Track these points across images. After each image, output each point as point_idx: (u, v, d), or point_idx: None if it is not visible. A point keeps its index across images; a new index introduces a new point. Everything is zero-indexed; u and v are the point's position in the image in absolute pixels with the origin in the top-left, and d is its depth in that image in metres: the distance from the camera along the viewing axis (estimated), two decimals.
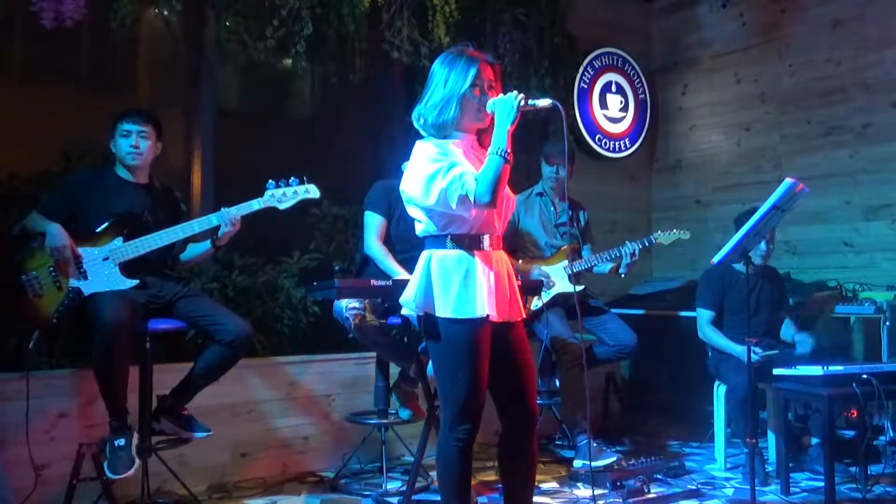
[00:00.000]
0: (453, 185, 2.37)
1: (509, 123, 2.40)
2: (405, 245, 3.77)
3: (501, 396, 2.55)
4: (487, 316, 2.43)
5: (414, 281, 2.49)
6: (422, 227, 2.51)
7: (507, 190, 2.51)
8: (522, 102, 2.42)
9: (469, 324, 2.41)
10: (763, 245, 4.09)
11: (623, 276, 4.33)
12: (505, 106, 2.41)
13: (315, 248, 4.55)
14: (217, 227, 3.34)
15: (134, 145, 3.33)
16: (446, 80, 2.46)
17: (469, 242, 2.46)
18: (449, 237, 2.45)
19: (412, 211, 2.53)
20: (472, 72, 2.45)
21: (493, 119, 2.46)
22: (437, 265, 2.45)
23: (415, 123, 2.55)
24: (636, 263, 4.26)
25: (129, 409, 3.14)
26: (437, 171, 2.40)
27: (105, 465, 3.04)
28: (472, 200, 2.36)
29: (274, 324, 4.14)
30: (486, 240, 2.48)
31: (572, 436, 4.12)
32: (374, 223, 3.82)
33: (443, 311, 2.41)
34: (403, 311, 2.55)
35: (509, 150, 2.39)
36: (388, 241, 3.82)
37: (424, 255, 2.49)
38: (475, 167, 2.45)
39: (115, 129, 3.35)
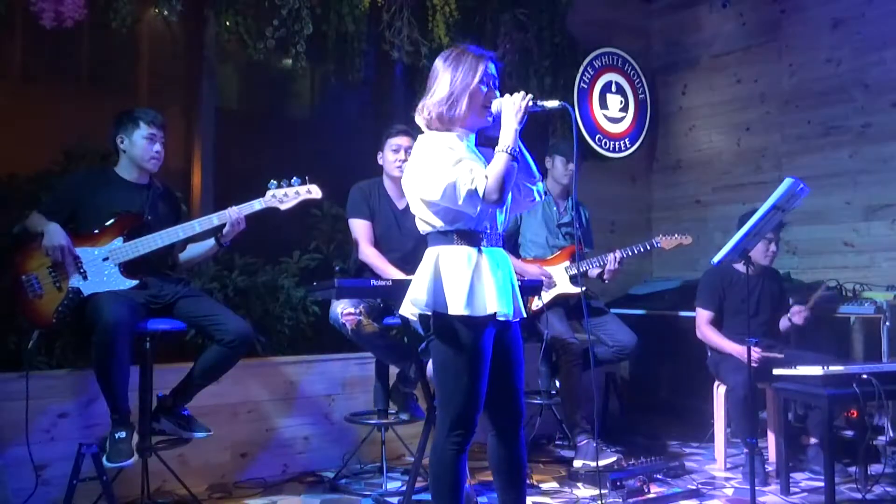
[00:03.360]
0: (462, 181, 2.35)
1: (517, 122, 2.43)
2: (390, 244, 3.79)
3: (493, 395, 2.51)
4: (494, 314, 2.42)
5: (422, 279, 2.44)
6: (425, 223, 2.49)
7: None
8: (530, 103, 2.45)
9: (478, 321, 2.40)
10: (773, 246, 4.10)
11: (605, 282, 4.35)
12: (512, 106, 2.44)
13: (315, 248, 4.55)
14: (220, 226, 3.35)
15: (158, 150, 3.36)
16: (453, 76, 2.46)
17: (475, 239, 2.45)
18: (455, 233, 2.44)
19: (416, 207, 2.51)
20: (481, 69, 2.47)
21: (495, 118, 2.49)
22: (445, 262, 2.42)
23: (417, 117, 2.54)
24: (619, 271, 4.28)
25: (131, 409, 3.14)
26: (444, 166, 2.38)
27: (104, 457, 3.03)
28: (481, 196, 2.35)
29: (274, 324, 4.14)
30: (490, 237, 2.48)
31: (572, 436, 4.12)
32: (361, 229, 3.82)
33: (454, 308, 2.37)
34: (405, 311, 2.50)
35: (517, 148, 2.41)
36: (374, 242, 3.84)
37: (430, 252, 2.47)
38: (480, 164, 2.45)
39: (134, 130, 3.32)
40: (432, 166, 2.40)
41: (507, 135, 2.41)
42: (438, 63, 2.52)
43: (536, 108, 2.48)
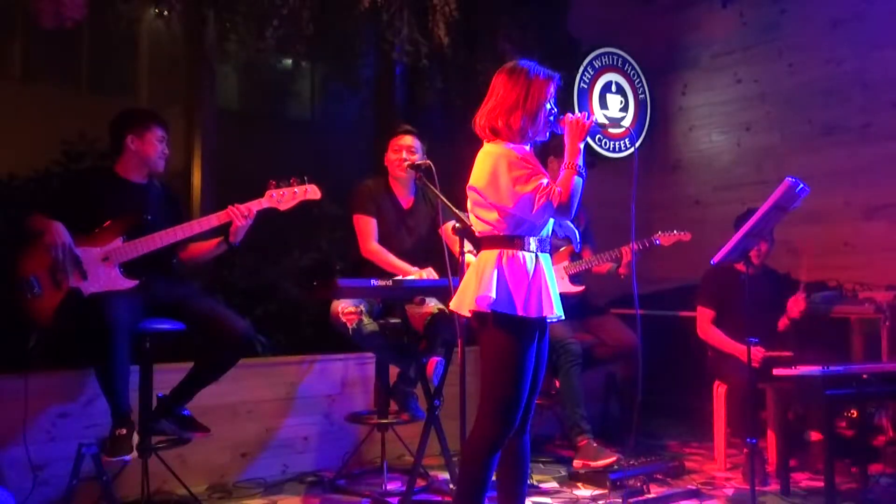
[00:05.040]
0: (538, 193, 2.48)
1: (581, 141, 2.58)
2: (393, 243, 3.80)
3: None
4: (545, 317, 2.55)
5: (485, 278, 2.52)
6: (488, 226, 2.58)
7: None
8: (592, 123, 2.60)
9: (533, 322, 2.53)
10: (763, 245, 4.09)
11: (623, 276, 4.33)
12: (577, 126, 2.59)
13: (316, 247, 4.55)
14: (226, 226, 3.34)
15: (166, 150, 3.40)
16: (528, 93, 2.57)
17: (532, 244, 2.57)
18: (517, 238, 2.54)
19: (480, 210, 2.59)
20: (553, 88, 2.62)
21: (552, 132, 2.65)
22: (508, 265, 2.52)
23: (485, 124, 2.62)
24: (636, 262, 4.26)
25: (131, 408, 3.14)
26: (520, 177, 2.50)
27: (104, 452, 3.02)
28: (555, 209, 2.48)
29: (274, 324, 4.14)
30: (543, 243, 2.61)
31: (572, 436, 4.12)
32: (366, 226, 3.82)
33: (518, 309, 2.48)
34: (461, 308, 2.58)
35: (583, 165, 2.56)
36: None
37: (493, 254, 2.55)
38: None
39: (146, 131, 3.34)
40: (509, 176, 2.51)
41: (573, 153, 2.58)
42: (506, 79, 2.61)
43: (598, 130, 2.61)
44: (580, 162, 2.56)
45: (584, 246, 4.52)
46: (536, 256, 2.56)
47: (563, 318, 2.69)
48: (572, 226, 2.86)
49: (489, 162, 2.56)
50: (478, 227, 2.63)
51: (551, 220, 2.63)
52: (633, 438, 3.10)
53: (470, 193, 2.63)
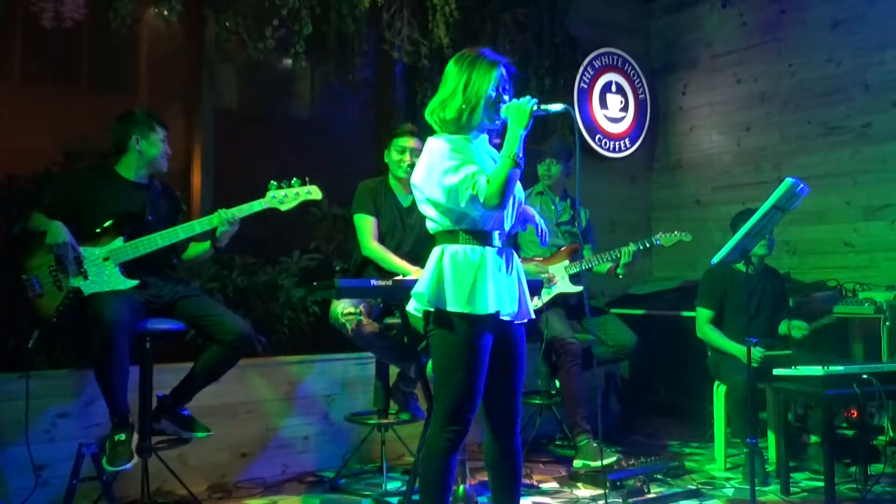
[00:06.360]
0: (465, 184, 2.38)
1: (522, 128, 2.44)
2: (394, 241, 3.81)
3: (491, 394, 2.53)
4: (497, 313, 2.44)
5: (426, 275, 2.47)
6: (433, 222, 2.52)
7: (519, 189, 2.56)
8: (535, 108, 2.46)
9: (478, 320, 2.41)
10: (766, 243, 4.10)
11: (621, 276, 4.32)
12: (518, 111, 2.45)
13: (315, 248, 4.55)
14: (216, 228, 3.35)
15: (169, 150, 3.42)
16: (469, 81, 2.48)
17: (481, 238, 2.46)
18: (461, 233, 2.46)
19: (423, 206, 2.54)
20: (495, 74, 2.50)
21: (503, 121, 2.51)
22: (449, 260, 2.44)
23: (429, 118, 2.57)
24: (635, 264, 4.26)
25: (130, 408, 3.14)
26: (448, 168, 2.41)
27: (104, 460, 3.03)
28: (482, 201, 2.38)
29: (274, 324, 4.14)
30: (497, 237, 2.50)
31: (572, 436, 4.12)
32: (366, 225, 3.82)
33: (454, 305, 2.39)
34: (410, 306, 2.53)
35: (521, 154, 2.42)
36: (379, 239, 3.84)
37: (436, 250, 2.49)
38: (487, 166, 2.48)
39: (150, 132, 3.35)
40: (439, 169, 2.43)
41: (512, 140, 2.43)
42: (452, 67, 2.54)
43: (541, 113, 2.49)
44: (518, 151, 2.40)
45: (584, 245, 4.52)
46: (486, 250, 2.44)
47: (532, 317, 2.61)
48: (538, 217, 2.73)
49: (425, 155, 2.50)
50: (427, 225, 2.56)
51: (509, 215, 2.52)
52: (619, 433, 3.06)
53: (413, 189, 2.57)
